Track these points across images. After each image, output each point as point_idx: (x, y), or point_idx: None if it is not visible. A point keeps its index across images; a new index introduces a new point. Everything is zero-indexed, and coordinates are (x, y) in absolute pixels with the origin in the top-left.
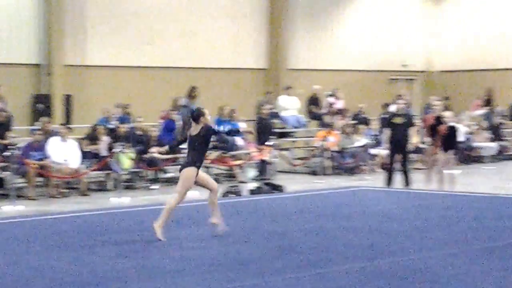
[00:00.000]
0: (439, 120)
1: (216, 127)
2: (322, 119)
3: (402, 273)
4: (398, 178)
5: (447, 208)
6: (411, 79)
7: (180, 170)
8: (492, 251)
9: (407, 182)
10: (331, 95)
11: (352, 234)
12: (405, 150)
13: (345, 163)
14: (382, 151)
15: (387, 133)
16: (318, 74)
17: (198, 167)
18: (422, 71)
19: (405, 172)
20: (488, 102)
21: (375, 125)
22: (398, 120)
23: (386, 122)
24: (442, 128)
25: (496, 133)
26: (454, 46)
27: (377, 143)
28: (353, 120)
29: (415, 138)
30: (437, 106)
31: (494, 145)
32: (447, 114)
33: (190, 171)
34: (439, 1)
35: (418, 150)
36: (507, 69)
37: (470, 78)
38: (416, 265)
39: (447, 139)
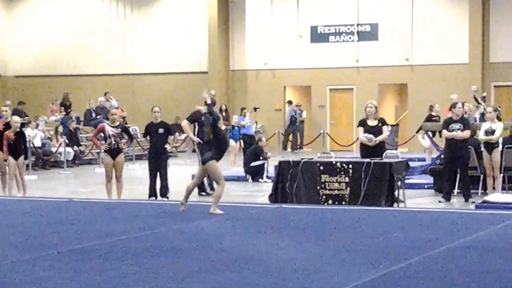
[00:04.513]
0: (8, 125)
1: None
2: None
3: None
4: None
5: (25, 213)
6: None
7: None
8: (67, 256)
9: None
10: None
11: None
12: None
13: None
14: None
15: None
16: None
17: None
18: None
19: None
20: (65, 107)
21: None
22: None
23: None
24: (10, 134)
25: (72, 138)
26: (29, 51)
27: None
28: None
29: None
30: (5, 112)
31: (71, 150)
32: (16, 119)
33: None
34: (12, 6)
35: None
36: (82, 75)
37: (47, 83)
38: None
39: (16, 145)
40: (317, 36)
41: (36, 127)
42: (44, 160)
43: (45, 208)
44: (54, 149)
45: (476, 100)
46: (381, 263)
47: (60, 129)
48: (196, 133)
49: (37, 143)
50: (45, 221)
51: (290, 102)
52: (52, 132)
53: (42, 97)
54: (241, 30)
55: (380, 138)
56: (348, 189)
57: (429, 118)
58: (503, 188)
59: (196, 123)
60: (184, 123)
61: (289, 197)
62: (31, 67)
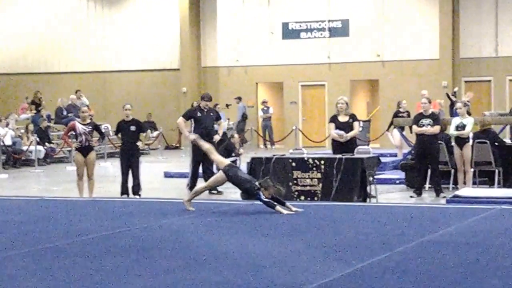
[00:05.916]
0: None
1: None
2: None
3: None
4: None
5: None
6: None
7: None
8: (38, 254)
9: None
10: None
11: None
12: None
13: None
14: None
15: None
16: None
17: None
18: None
19: None
20: (35, 106)
21: None
22: None
23: None
24: None
25: (43, 136)
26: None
27: None
28: None
29: None
30: None
31: (42, 148)
32: None
33: None
34: None
35: None
36: (53, 72)
37: (17, 81)
38: None
39: None
40: (289, 32)
41: (6, 126)
42: (15, 159)
43: (16, 207)
44: (25, 148)
45: (449, 97)
46: (353, 259)
47: (31, 127)
48: (193, 129)
49: (8, 141)
50: (16, 220)
51: (239, 99)
52: (22, 131)
53: (12, 95)
54: (212, 27)
55: (351, 134)
56: (320, 185)
57: (396, 114)
58: (474, 183)
59: (192, 120)
60: (180, 121)
61: None
62: (0, 64)
